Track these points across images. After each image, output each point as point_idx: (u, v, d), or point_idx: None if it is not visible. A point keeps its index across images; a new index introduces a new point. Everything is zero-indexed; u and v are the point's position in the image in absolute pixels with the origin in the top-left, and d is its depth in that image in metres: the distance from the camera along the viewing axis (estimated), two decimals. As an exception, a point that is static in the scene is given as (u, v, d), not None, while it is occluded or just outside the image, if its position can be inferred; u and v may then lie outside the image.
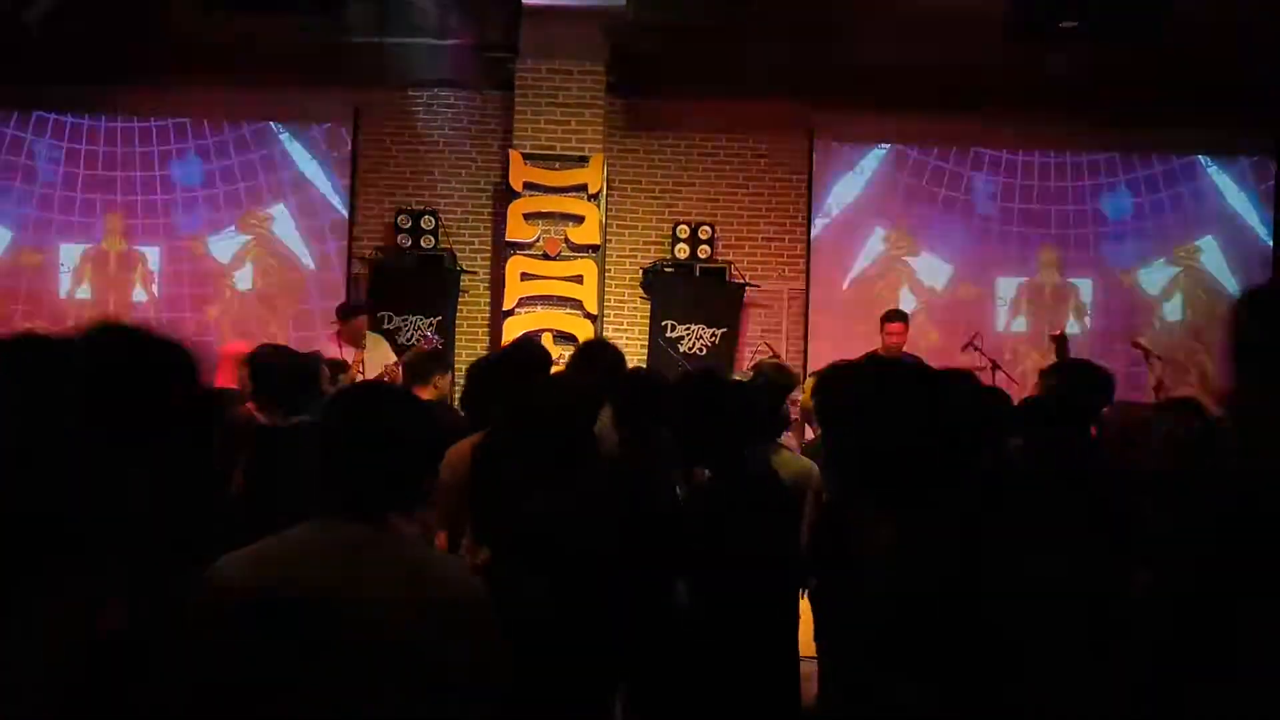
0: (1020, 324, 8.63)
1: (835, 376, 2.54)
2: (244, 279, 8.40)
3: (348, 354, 6.37)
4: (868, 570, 1.83)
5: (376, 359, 6.47)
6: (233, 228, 8.49)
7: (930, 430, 1.81)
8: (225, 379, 4.50)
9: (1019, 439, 2.89)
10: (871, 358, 6.59)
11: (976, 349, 7.41)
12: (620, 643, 2.20)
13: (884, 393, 1.90)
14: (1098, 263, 8.65)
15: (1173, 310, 8.65)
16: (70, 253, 8.58)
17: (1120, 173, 8.64)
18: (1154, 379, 7.02)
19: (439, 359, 5.95)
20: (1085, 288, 8.68)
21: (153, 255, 8.56)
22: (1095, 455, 2.92)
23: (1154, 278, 8.66)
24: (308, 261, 8.50)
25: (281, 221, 8.52)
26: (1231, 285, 8.62)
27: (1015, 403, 3.59)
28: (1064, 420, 3.03)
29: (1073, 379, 3.58)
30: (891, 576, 1.75)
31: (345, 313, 6.85)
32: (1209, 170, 8.66)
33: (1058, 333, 6.90)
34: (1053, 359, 6.49)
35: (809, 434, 5.48)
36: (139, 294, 8.51)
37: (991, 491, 2.51)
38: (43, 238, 8.54)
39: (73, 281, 8.59)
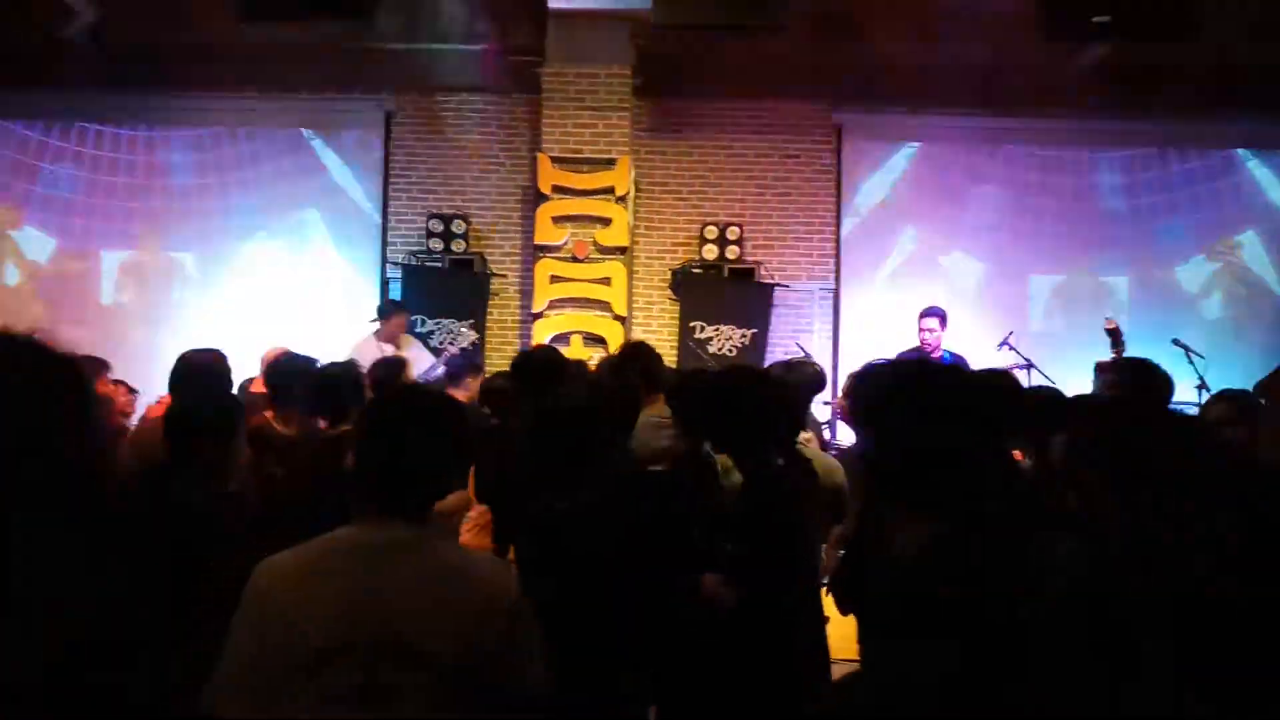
0: (1056, 322, 8.51)
1: (867, 376, 2.50)
2: (279, 284, 8.51)
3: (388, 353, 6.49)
4: (901, 572, 1.81)
5: (417, 360, 6.62)
6: (268, 233, 8.61)
7: (964, 430, 1.79)
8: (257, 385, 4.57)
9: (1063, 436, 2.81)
10: (907, 356, 6.57)
11: (1011, 348, 7.33)
12: (626, 646, 2.20)
13: (916, 392, 1.88)
14: (1134, 260, 8.52)
15: (1211, 307, 8.50)
16: (111, 259, 8.76)
17: (1157, 168, 8.49)
18: (1197, 380, 6.89)
19: (472, 362, 6.08)
20: (1121, 285, 8.54)
21: (190, 262, 8.70)
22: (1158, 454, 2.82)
23: (1192, 274, 8.51)
24: (341, 266, 8.61)
25: (315, 227, 8.63)
26: (1273, 279, 8.45)
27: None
28: (1125, 419, 2.93)
29: (1135, 377, 3.45)
30: (922, 579, 1.73)
31: (382, 311, 7.04)
32: (1248, 164, 8.50)
33: (1111, 325, 6.75)
34: (1093, 354, 6.39)
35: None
36: (177, 299, 8.66)
37: (1031, 493, 2.48)
38: (85, 244, 8.73)
39: (115, 288, 8.77)
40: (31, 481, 0.95)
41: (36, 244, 8.74)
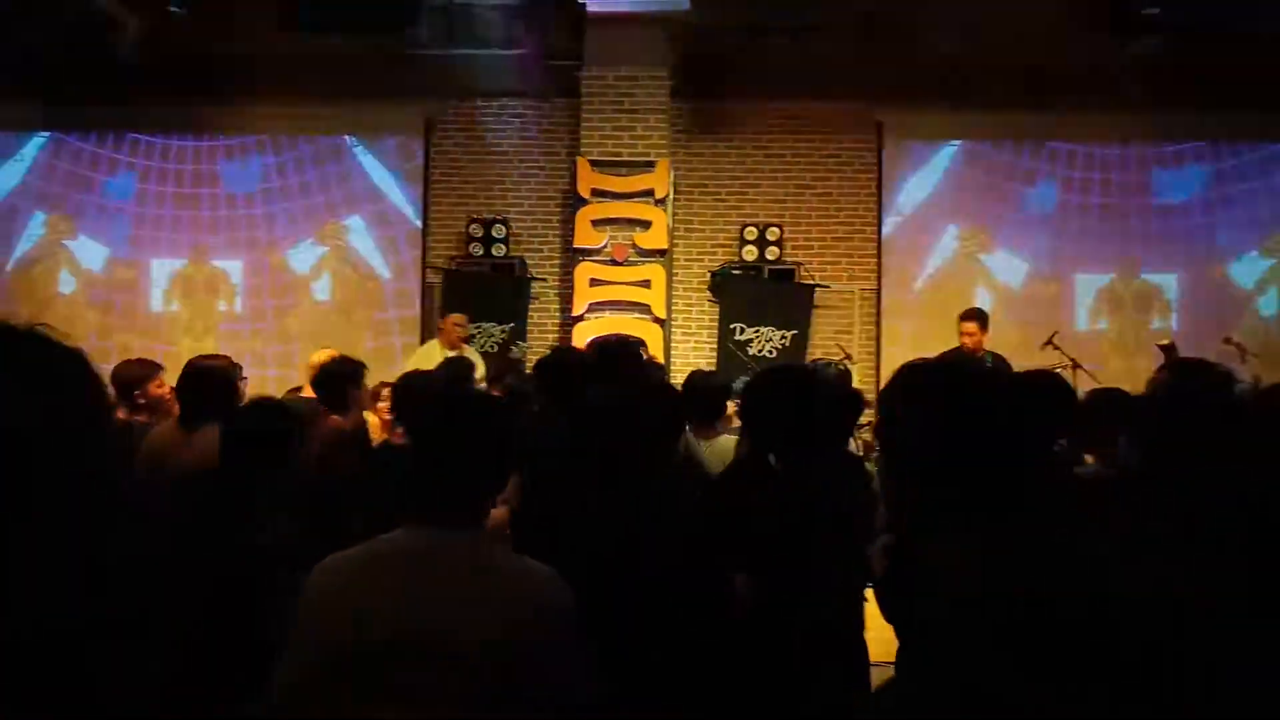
0: (1102, 322, 8.36)
1: (902, 378, 2.45)
2: (322, 289, 8.64)
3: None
4: (937, 580, 1.78)
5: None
6: (310, 240, 8.75)
7: (995, 435, 1.76)
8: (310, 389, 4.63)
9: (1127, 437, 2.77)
10: (944, 358, 6.49)
11: (1056, 347, 7.22)
12: (634, 653, 2.20)
13: (946, 394, 1.85)
14: (1184, 257, 8.33)
15: (1268, 304, 8.28)
16: (161, 267, 8.95)
17: (1208, 161, 8.31)
18: (1250, 379, 6.73)
19: (513, 364, 6.14)
20: (1170, 283, 8.36)
21: (235, 268, 8.87)
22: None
23: (1246, 270, 8.31)
24: (383, 271, 8.71)
25: (357, 233, 8.75)
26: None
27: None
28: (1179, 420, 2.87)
29: (1189, 376, 3.38)
30: (956, 588, 1.70)
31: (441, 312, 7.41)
32: (1303, 155, 8.28)
33: (1166, 342, 6.63)
34: (1140, 354, 6.28)
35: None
36: (223, 306, 8.83)
37: (1069, 497, 2.43)
38: (135, 253, 8.93)
39: (164, 296, 8.97)
40: (31, 487, 0.92)
41: (91, 253, 8.96)
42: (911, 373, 1.99)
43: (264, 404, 3.03)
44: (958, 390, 1.82)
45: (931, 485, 1.84)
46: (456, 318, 7.24)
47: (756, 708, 2.44)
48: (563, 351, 3.87)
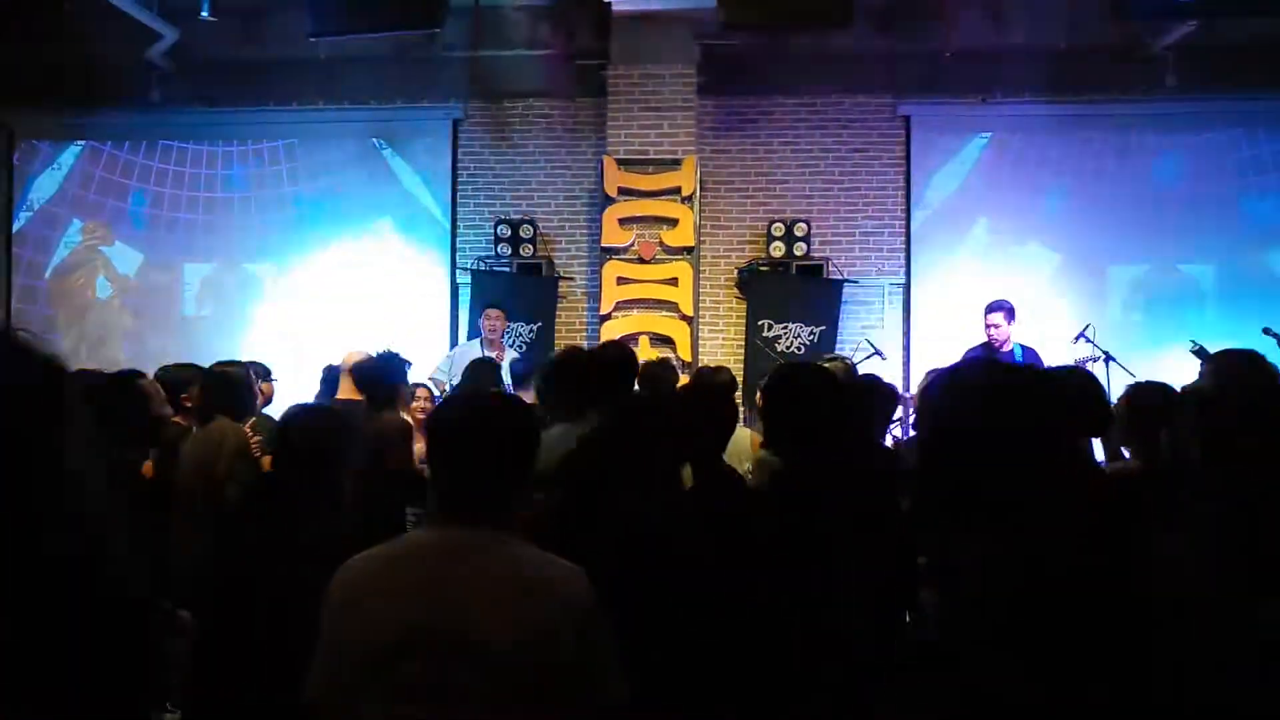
0: (1136, 314, 8.25)
1: (941, 376, 2.41)
2: (351, 292, 8.70)
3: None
4: (962, 578, 1.78)
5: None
6: (339, 242, 8.83)
7: (1016, 436, 1.75)
8: (346, 390, 4.68)
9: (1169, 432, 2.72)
10: (974, 352, 6.43)
11: (1088, 340, 7.13)
12: (664, 653, 2.19)
13: (981, 395, 1.84)
14: (1220, 247, 8.20)
15: (1307, 294, 8.13)
16: (194, 272, 9.07)
17: (1244, 149, 8.17)
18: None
19: (538, 364, 6.16)
20: (1207, 274, 8.24)
21: (269, 271, 8.97)
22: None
23: (1284, 260, 8.17)
24: (412, 272, 8.77)
25: (386, 234, 8.82)
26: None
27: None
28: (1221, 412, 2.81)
29: (1230, 367, 3.31)
30: (982, 584, 1.70)
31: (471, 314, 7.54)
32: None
33: (1197, 347, 6.51)
34: (1176, 347, 6.19)
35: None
36: (254, 309, 8.93)
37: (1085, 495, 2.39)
38: (169, 258, 9.06)
39: (198, 299, 9.09)
40: None
41: (126, 258, 9.11)
42: (935, 382, 1.98)
43: (313, 408, 3.08)
44: (965, 396, 1.81)
45: (947, 490, 1.83)
46: (491, 311, 7.32)
47: (752, 707, 2.41)
48: (565, 363, 3.76)
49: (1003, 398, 1.80)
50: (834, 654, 2.31)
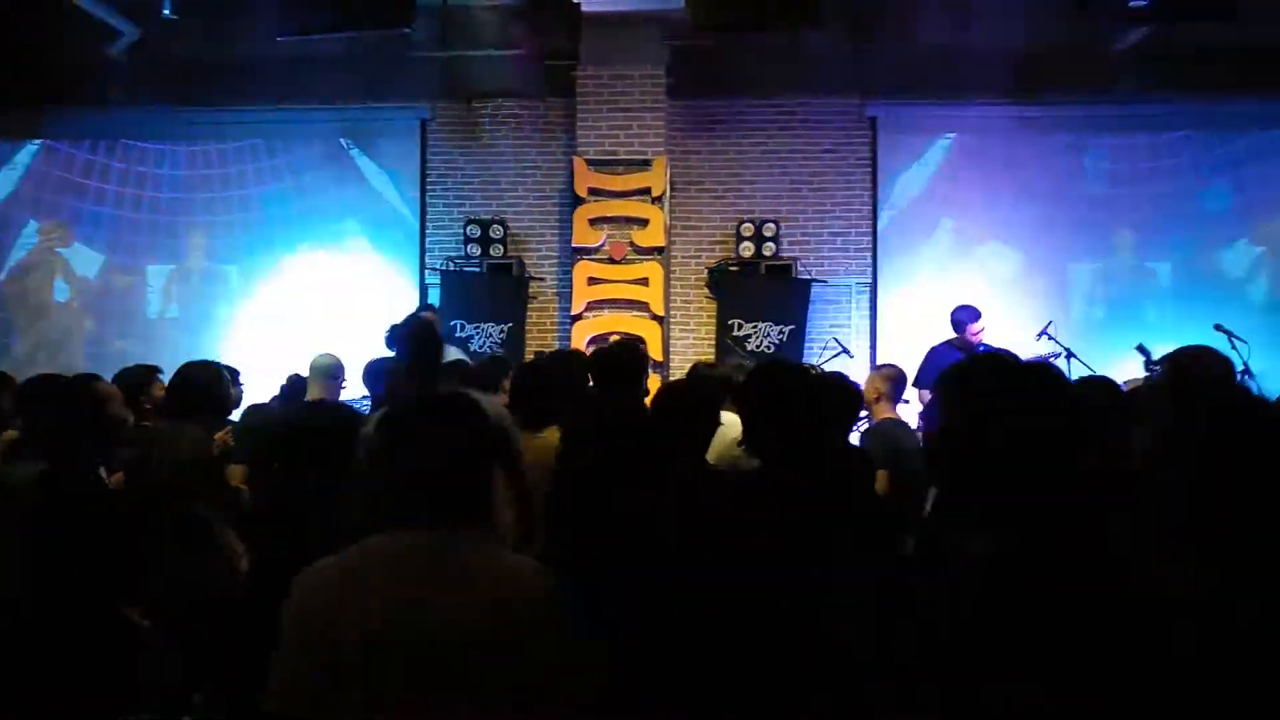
0: (1097, 311, 8.44)
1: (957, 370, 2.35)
2: (319, 292, 8.63)
3: None
4: (963, 579, 1.79)
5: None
6: (307, 243, 8.75)
7: (1033, 429, 1.78)
8: (316, 392, 4.66)
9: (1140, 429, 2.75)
10: (953, 356, 6.54)
11: (1050, 337, 7.29)
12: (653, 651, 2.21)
13: (985, 388, 1.86)
14: (1176, 245, 8.41)
15: (1256, 291, 8.38)
16: (157, 273, 8.94)
17: (1199, 151, 8.39)
18: (1240, 365, 6.80)
19: (504, 364, 6.07)
20: (1164, 271, 8.45)
21: (234, 273, 8.86)
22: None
23: (1237, 258, 8.40)
24: (381, 273, 8.72)
25: (355, 235, 8.76)
26: (1321, 263, 8.31)
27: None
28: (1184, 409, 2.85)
29: (1191, 364, 3.34)
30: (984, 587, 1.71)
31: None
32: (1295, 144, 8.36)
33: (1139, 345, 6.66)
34: (1135, 341, 6.34)
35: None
36: (220, 310, 8.82)
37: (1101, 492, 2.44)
38: (131, 260, 8.92)
39: (161, 301, 8.96)
40: None
41: (86, 260, 8.95)
42: (947, 373, 1.98)
43: (318, 406, 3.05)
44: (984, 386, 1.83)
45: (956, 484, 1.85)
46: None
47: (752, 707, 2.41)
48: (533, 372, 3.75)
49: (1050, 395, 1.82)
50: (834, 654, 2.33)
